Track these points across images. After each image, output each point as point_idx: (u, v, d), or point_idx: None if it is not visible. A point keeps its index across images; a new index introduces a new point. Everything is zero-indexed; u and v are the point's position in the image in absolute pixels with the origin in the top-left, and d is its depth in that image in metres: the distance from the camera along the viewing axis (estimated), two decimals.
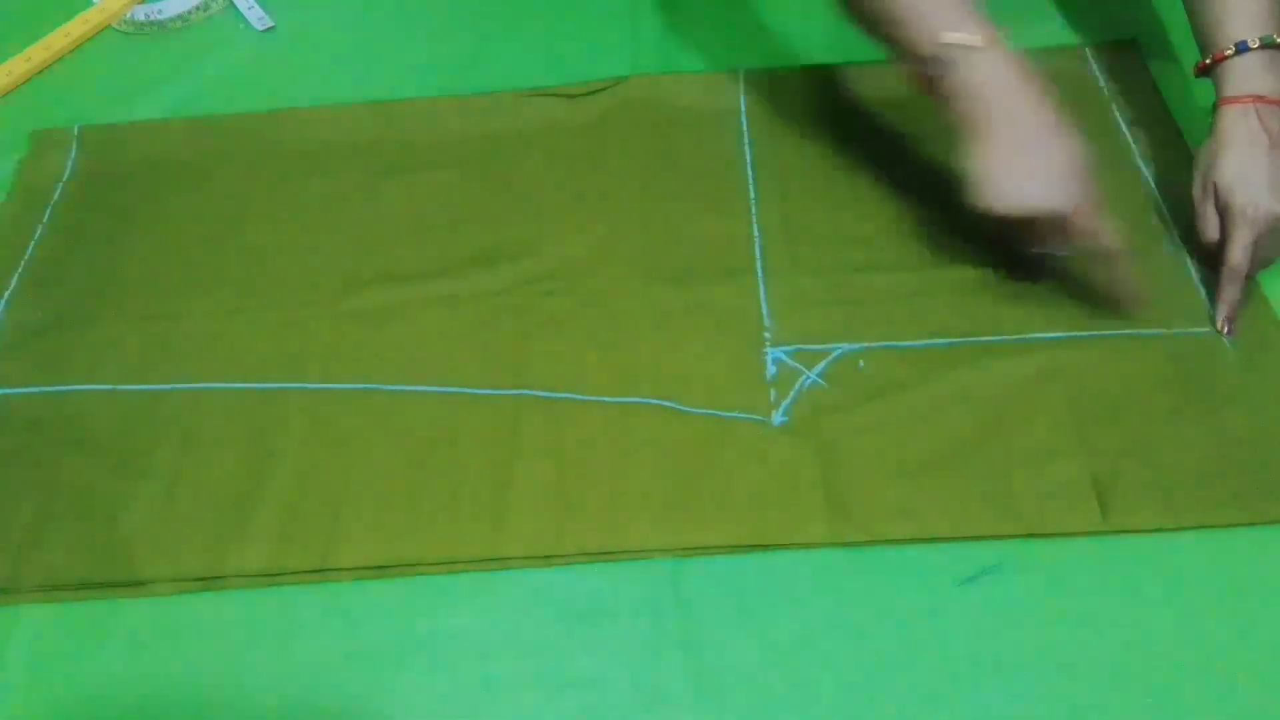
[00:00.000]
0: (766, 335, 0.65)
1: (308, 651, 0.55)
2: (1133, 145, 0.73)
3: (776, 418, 0.61)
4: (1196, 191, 0.65)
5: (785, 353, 0.64)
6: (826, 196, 0.72)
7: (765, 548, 0.57)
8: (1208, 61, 0.66)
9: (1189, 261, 0.66)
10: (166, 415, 0.65)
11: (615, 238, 0.71)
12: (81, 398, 0.66)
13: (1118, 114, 0.76)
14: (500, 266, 0.71)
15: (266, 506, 0.60)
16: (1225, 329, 0.63)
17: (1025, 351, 0.63)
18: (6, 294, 0.73)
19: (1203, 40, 0.67)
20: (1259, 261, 0.63)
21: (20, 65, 0.89)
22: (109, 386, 0.67)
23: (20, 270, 0.74)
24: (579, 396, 0.63)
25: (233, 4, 0.94)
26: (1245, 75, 0.64)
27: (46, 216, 0.77)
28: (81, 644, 0.56)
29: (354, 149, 0.80)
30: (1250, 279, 0.64)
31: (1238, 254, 0.62)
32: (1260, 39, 0.63)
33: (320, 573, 0.57)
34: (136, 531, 0.59)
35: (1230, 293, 0.63)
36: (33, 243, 0.76)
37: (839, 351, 0.64)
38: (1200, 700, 0.50)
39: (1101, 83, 0.78)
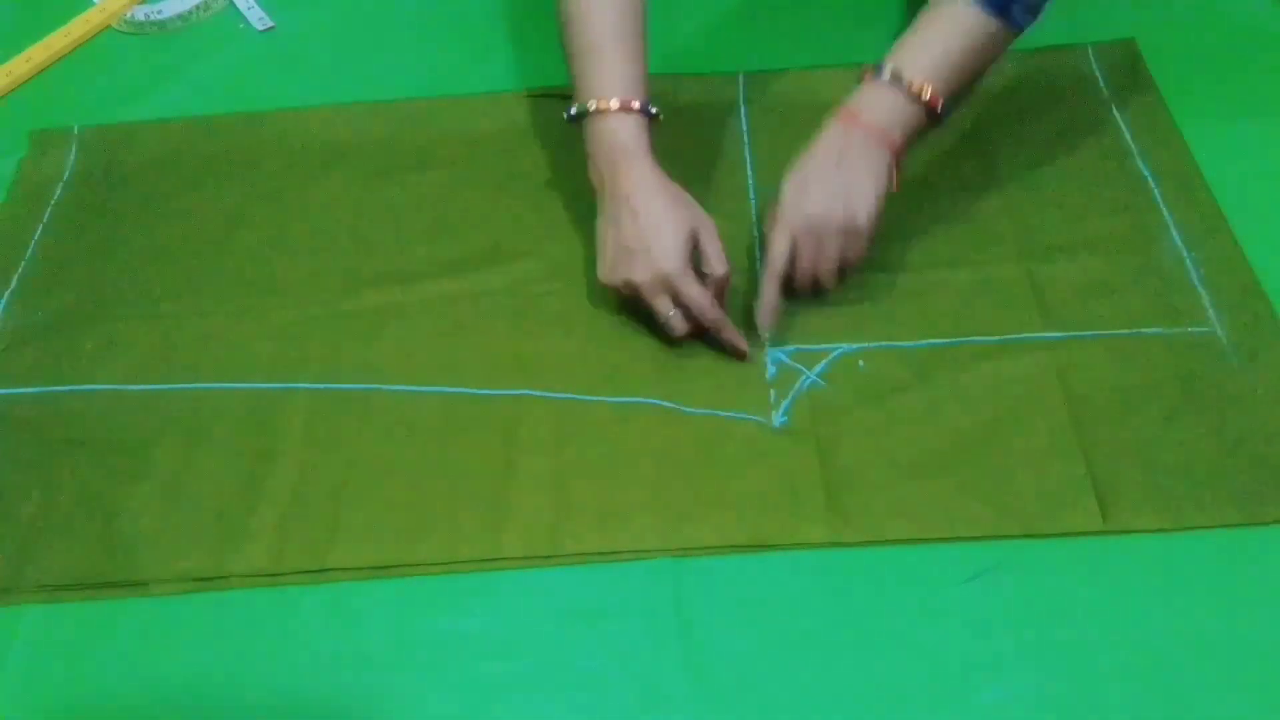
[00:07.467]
0: (766, 335, 0.65)
1: (308, 651, 0.55)
2: (1133, 145, 0.73)
3: (776, 418, 0.61)
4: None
5: (785, 353, 0.64)
6: None
7: (765, 548, 0.57)
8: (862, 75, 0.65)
9: (1189, 261, 0.66)
10: (167, 415, 0.65)
11: None
12: (81, 398, 0.66)
13: (1118, 114, 0.75)
14: (500, 266, 0.71)
15: (266, 506, 0.60)
16: (763, 332, 0.64)
17: (1025, 351, 0.63)
18: (6, 294, 0.73)
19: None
20: (804, 272, 0.63)
21: (20, 65, 0.89)
22: (109, 386, 0.67)
23: (20, 270, 0.74)
24: (579, 396, 0.63)
25: (233, 4, 0.94)
26: (860, 96, 0.64)
27: (46, 216, 0.77)
28: (81, 644, 0.56)
29: (354, 149, 0.80)
30: (818, 290, 0.65)
31: (773, 252, 0.62)
32: (892, 71, 0.63)
33: (320, 573, 0.58)
34: (136, 531, 0.59)
35: (769, 292, 0.63)
36: (33, 243, 0.76)
37: (839, 351, 0.64)
38: (1200, 700, 0.50)
39: (1101, 83, 0.78)
